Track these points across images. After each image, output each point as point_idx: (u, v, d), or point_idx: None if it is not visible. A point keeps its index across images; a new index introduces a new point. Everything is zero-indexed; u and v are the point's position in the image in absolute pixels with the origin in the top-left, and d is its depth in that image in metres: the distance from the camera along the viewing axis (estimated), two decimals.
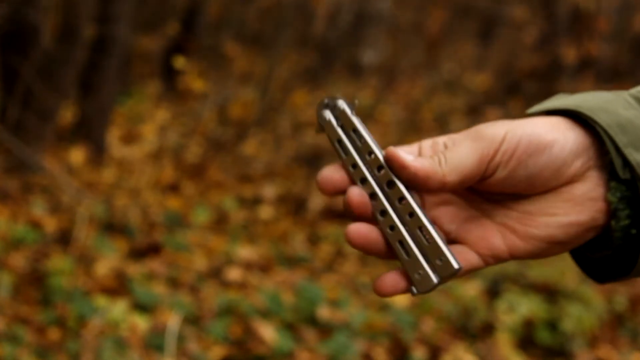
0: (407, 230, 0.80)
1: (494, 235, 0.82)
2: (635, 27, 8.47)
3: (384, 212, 0.81)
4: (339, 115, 0.85)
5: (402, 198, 0.80)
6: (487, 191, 0.82)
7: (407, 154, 0.80)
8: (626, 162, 0.78)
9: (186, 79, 6.93)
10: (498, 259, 0.82)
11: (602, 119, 0.79)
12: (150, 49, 8.51)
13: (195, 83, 6.86)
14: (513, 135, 0.79)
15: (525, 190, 0.80)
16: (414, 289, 0.81)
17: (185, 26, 7.79)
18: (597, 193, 0.79)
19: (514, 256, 0.81)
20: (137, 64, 8.05)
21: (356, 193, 0.81)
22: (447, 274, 0.80)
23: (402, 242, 0.80)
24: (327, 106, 0.86)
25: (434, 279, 0.80)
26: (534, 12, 9.11)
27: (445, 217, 0.83)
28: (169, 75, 7.33)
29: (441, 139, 0.82)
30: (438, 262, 0.80)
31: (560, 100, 0.83)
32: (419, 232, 0.80)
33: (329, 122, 0.85)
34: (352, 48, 9.34)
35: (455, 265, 0.79)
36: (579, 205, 0.80)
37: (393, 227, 0.80)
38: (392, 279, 0.81)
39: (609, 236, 0.81)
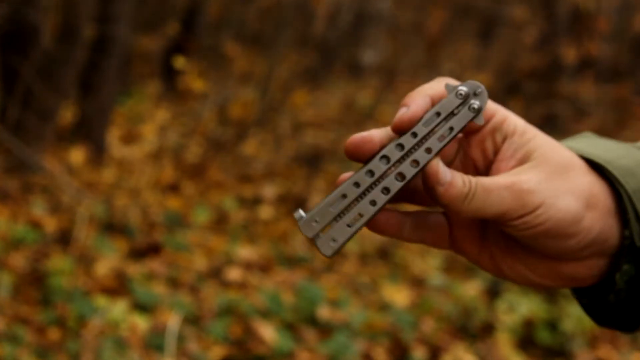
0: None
1: (478, 238, 0.82)
2: (635, 27, 8.47)
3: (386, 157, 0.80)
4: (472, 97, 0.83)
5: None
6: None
7: (445, 171, 0.77)
8: None
9: (186, 79, 6.93)
10: (464, 249, 0.82)
11: (629, 183, 0.77)
12: (150, 49, 8.51)
13: (195, 83, 6.86)
14: (546, 210, 0.76)
15: (530, 247, 0.79)
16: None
17: (185, 26, 7.79)
18: (589, 273, 0.79)
19: (476, 261, 0.82)
20: (137, 64, 8.05)
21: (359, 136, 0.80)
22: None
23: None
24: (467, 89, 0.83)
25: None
26: (534, 12, 9.11)
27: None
28: (169, 75, 7.33)
29: (517, 128, 0.80)
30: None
31: (591, 145, 0.81)
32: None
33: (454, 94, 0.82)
34: (352, 48, 9.34)
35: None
36: (562, 279, 0.80)
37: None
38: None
39: (598, 296, 0.81)
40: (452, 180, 0.76)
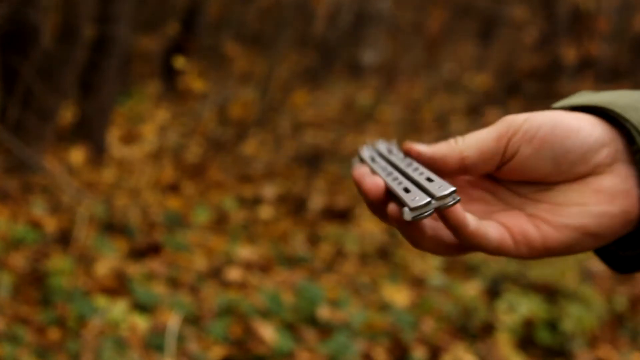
0: (411, 178, 0.81)
1: (527, 223, 0.81)
2: (635, 27, 8.47)
3: (391, 173, 0.82)
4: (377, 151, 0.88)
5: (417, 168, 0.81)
6: (513, 180, 0.82)
7: (422, 145, 0.81)
8: None
9: (186, 79, 6.92)
10: (531, 247, 0.80)
11: (633, 116, 0.79)
12: (150, 49, 8.51)
13: (195, 83, 6.86)
14: (535, 119, 0.79)
15: (551, 176, 0.80)
16: (407, 210, 0.77)
17: (185, 26, 7.79)
18: (628, 187, 0.80)
19: (547, 246, 0.80)
20: (137, 64, 8.06)
21: (371, 179, 0.81)
22: (443, 193, 0.77)
23: (401, 183, 0.80)
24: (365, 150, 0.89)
25: (427, 197, 0.77)
26: (534, 12, 9.11)
27: (477, 213, 0.82)
28: (169, 75, 7.33)
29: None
30: (436, 187, 0.78)
31: (587, 97, 0.84)
32: (424, 180, 0.80)
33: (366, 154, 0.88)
34: (352, 48, 9.34)
35: (452, 187, 0.77)
36: (610, 196, 0.80)
37: (397, 178, 0.81)
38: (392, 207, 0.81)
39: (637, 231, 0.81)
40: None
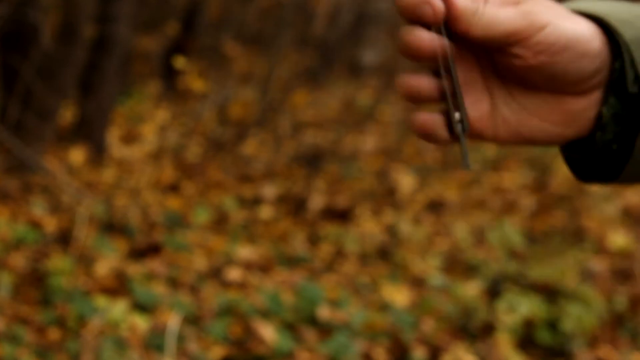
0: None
1: (488, 108, 0.83)
2: None
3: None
4: None
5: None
6: (507, 69, 0.82)
7: None
8: (638, 78, 0.80)
9: (186, 79, 6.92)
10: (480, 127, 0.82)
11: (627, 33, 0.80)
12: (150, 49, 8.51)
13: (195, 83, 6.85)
14: (555, 28, 0.79)
15: (541, 85, 0.81)
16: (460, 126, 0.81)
17: (185, 26, 7.79)
18: (592, 112, 0.81)
19: (494, 137, 0.82)
20: (137, 64, 8.05)
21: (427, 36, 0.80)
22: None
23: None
24: None
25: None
26: None
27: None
28: (169, 75, 7.33)
29: None
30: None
31: (591, 3, 0.84)
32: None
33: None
34: (352, 48, 9.34)
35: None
36: (571, 120, 0.81)
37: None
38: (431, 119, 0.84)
39: (590, 142, 0.83)
40: None
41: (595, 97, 0.81)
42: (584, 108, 0.81)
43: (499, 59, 0.81)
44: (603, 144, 0.82)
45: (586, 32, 0.79)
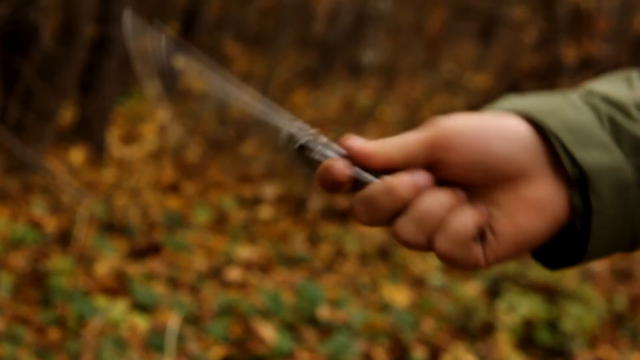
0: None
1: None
2: (635, 27, 8.47)
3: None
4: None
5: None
6: (455, 182, 0.83)
7: (357, 139, 0.85)
8: (574, 161, 0.81)
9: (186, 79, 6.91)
10: (475, 264, 0.84)
11: (549, 122, 0.81)
12: None
13: (195, 83, 6.84)
14: (459, 124, 0.81)
15: (484, 180, 0.81)
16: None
17: (185, 26, 7.79)
18: (558, 195, 0.82)
19: (488, 262, 0.83)
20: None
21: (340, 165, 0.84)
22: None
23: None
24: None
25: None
26: (534, 12, 9.11)
27: None
28: None
29: None
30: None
31: (510, 102, 0.85)
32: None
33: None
34: (352, 48, 9.34)
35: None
36: (540, 210, 0.82)
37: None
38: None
39: (566, 232, 0.84)
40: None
41: (552, 181, 0.82)
42: (545, 195, 0.81)
43: (443, 174, 0.82)
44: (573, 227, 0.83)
45: (496, 117, 0.82)
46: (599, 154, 0.81)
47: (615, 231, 0.82)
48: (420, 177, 0.81)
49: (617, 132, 0.82)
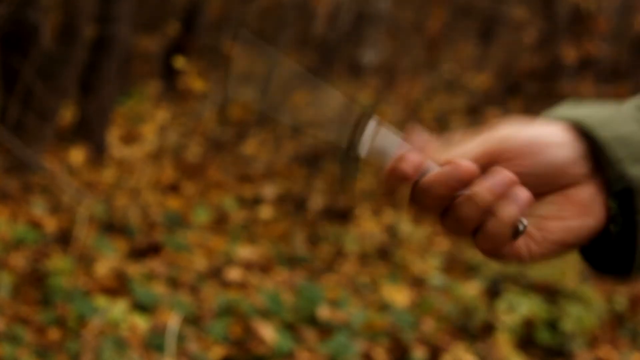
0: None
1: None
2: (635, 27, 8.47)
3: None
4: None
5: None
6: None
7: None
8: (622, 176, 0.84)
9: (186, 79, 6.92)
10: (519, 259, 0.87)
11: (601, 134, 0.84)
12: (150, 49, 8.50)
13: (195, 83, 6.85)
14: (514, 138, 0.85)
15: (534, 189, 0.85)
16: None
17: (185, 26, 7.79)
18: (601, 199, 0.86)
19: (532, 258, 0.87)
20: (137, 64, 8.05)
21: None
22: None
23: None
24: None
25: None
26: (534, 12, 9.11)
27: None
28: (169, 75, 7.33)
29: None
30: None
31: (566, 110, 0.88)
32: None
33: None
34: (352, 48, 9.34)
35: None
36: (585, 208, 0.85)
37: None
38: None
39: (606, 238, 0.88)
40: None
41: (596, 186, 0.85)
42: (590, 197, 0.85)
43: None
44: (617, 236, 0.86)
45: (548, 129, 0.85)
46: None
47: None
48: (502, 180, 0.84)
49: None
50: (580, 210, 0.85)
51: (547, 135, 0.84)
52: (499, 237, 0.84)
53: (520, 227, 0.85)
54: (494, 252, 0.85)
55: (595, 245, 0.89)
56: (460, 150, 0.85)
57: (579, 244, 0.87)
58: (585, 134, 0.85)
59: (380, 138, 0.88)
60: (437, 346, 4.05)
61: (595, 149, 0.85)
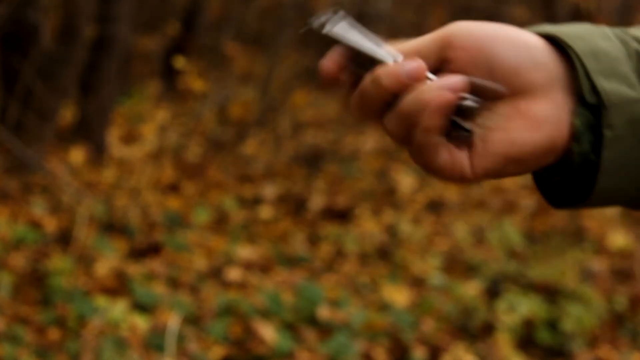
0: None
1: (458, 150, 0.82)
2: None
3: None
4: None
5: None
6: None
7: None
8: (594, 88, 0.79)
9: (186, 79, 6.92)
10: (461, 175, 0.81)
11: (577, 45, 0.80)
12: (150, 49, 8.51)
13: (195, 83, 6.85)
14: (478, 26, 0.80)
15: (484, 92, 0.80)
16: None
17: (185, 26, 7.79)
18: (560, 116, 0.80)
19: (475, 174, 0.80)
20: (137, 64, 8.05)
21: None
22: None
23: None
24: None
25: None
26: (534, 12, 9.11)
27: None
28: (169, 75, 7.33)
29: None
30: None
31: (541, 27, 0.84)
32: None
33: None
34: None
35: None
36: (536, 123, 0.80)
37: None
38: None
39: (569, 160, 0.81)
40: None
41: (557, 99, 0.80)
42: (544, 112, 0.80)
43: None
44: (581, 158, 0.80)
45: (517, 30, 0.80)
46: (620, 87, 0.79)
47: (625, 169, 0.80)
48: (408, 66, 0.79)
49: None
50: (529, 124, 0.79)
51: (509, 34, 0.79)
52: (428, 133, 0.78)
53: (461, 126, 0.78)
54: (429, 162, 0.79)
55: (551, 171, 0.83)
56: (415, 41, 0.80)
57: (526, 161, 0.80)
58: (556, 46, 0.81)
59: (347, 28, 0.84)
60: (437, 346, 4.05)
61: (568, 64, 0.80)
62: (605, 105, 0.79)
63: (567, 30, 0.81)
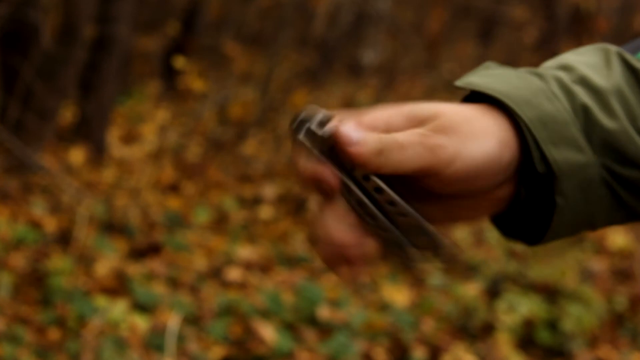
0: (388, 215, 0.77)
1: None
2: (635, 27, 8.47)
3: (361, 202, 0.78)
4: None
5: (379, 188, 0.77)
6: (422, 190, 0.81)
7: (356, 131, 0.80)
8: (544, 158, 0.79)
9: (186, 79, 6.92)
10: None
11: (525, 113, 0.79)
12: (150, 49, 8.51)
13: (195, 83, 6.85)
14: (465, 159, 0.78)
15: (459, 195, 0.80)
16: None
17: (185, 26, 7.79)
18: (512, 189, 0.81)
19: None
20: (137, 64, 8.06)
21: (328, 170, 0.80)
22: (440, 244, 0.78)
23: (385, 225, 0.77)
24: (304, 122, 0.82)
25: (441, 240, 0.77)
26: (534, 12, 9.11)
27: None
28: (169, 75, 7.33)
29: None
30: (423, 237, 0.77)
31: (489, 79, 0.82)
32: (401, 218, 0.77)
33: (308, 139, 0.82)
34: (352, 48, 9.34)
35: (445, 240, 0.77)
36: (497, 203, 0.81)
37: (374, 216, 0.77)
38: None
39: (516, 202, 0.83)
40: (364, 138, 0.79)
41: (509, 184, 0.81)
42: (505, 191, 0.81)
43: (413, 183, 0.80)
44: (527, 201, 0.82)
45: (495, 149, 0.78)
46: (569, 154, 0.79)
47: (574, 224, 0.82)
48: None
49: (589, 125, 0.80)
50: (490, 205, 0.81)
51: (496, 157, 0.78)
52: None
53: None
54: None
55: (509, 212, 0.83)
56: (396, 158, 0.78)
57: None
58: (507, 112, 0.79)
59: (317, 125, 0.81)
60: (437, 346, 4.05)
61: (517, 129, 0.79)
62: (555, 175, 0.79)
63: (513, 93, 0.80)
